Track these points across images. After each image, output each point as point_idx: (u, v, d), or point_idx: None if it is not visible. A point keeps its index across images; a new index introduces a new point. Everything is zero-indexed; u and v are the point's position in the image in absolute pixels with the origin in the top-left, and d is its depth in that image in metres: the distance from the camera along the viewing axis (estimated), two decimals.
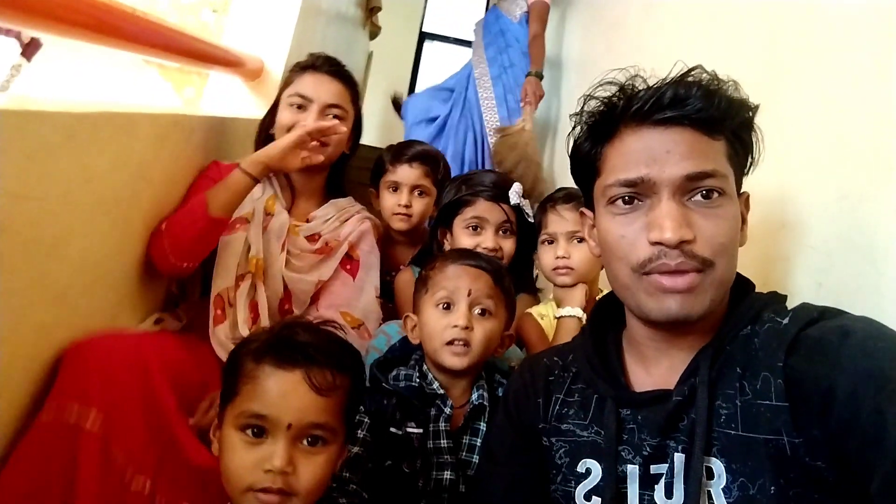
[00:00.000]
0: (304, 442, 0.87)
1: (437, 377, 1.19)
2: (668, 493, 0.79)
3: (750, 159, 0.86)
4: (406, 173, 1.85)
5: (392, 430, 1.12)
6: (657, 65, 0.85)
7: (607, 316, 0.97)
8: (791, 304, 0.84)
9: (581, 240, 1.46)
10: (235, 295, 1.45)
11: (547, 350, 1.04)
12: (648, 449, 0.82)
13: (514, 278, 1.50)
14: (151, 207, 1.37)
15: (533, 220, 1.61)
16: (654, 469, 0.81)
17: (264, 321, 1.47)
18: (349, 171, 1.80)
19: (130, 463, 1.09)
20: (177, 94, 2.10)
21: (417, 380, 1.20)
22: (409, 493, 1.10)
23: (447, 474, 1.11)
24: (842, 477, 0.68)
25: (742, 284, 0.88)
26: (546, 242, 1.53)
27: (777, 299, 0.85)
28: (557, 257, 1.48)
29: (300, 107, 1.59)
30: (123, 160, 1.20)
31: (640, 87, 0.84)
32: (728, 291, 0.85)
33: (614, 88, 0.86)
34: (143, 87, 1.84)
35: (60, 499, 1.04)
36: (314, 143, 1.55)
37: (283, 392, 0.86)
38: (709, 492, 0.76)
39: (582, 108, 0.89)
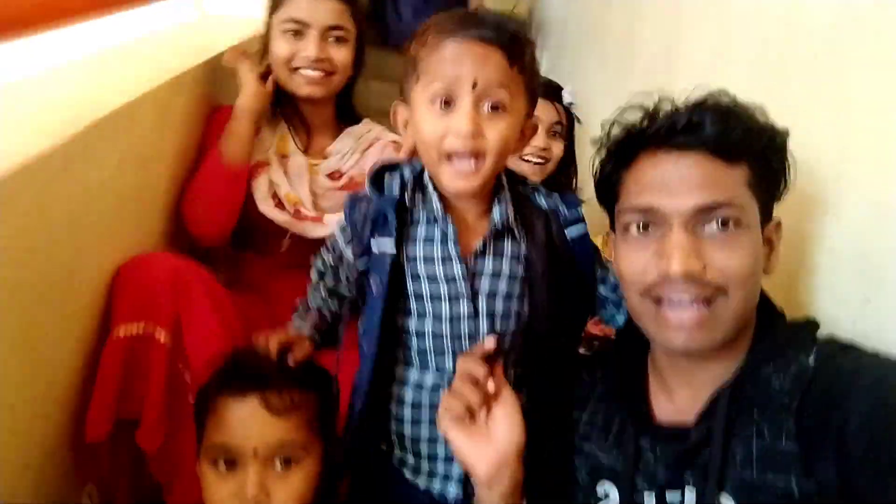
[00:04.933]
0: (277, 465, 0.88)
1: (439, 190, 0.95)
2: None
3: (783, 184, 0.83)
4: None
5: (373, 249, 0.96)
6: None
7: (635, 337, 0.95)
8: (831, 319, 0.81)
9: None
10: None
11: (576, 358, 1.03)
12: (662, 479, 0.83)
13: (554, 185, 1.45)
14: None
15: (582, 123, 1.54)
16: (668, 497, 0.83)
17: None
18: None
19: (192, 378, 1.13)
20: None
21: (410, 191, 0.96)
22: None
23: (465, 306, 0.94)
24: None
25: (770, 311, 0.85)
26: None
27: (806, 332, 0.81)
28: None
29: (296, 33, 1.43)
30: (131, 153, 1.17)
31: (664, 111, 0.82)
32: (752, 319, 0.82)
33: (639, 112, 0.84)
34: None
35: (138, 406, 1.10)
36: (318, 73, 1.45)
37: (242, 419, 0.88)
38: None
39: (607, 132, 0.87)
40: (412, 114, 0.93)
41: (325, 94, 1.49)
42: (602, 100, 2.09)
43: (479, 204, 0.96)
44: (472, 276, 0.94)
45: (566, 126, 1.49)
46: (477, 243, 0.95)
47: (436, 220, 0.95)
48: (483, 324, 0.95)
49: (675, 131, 0.79)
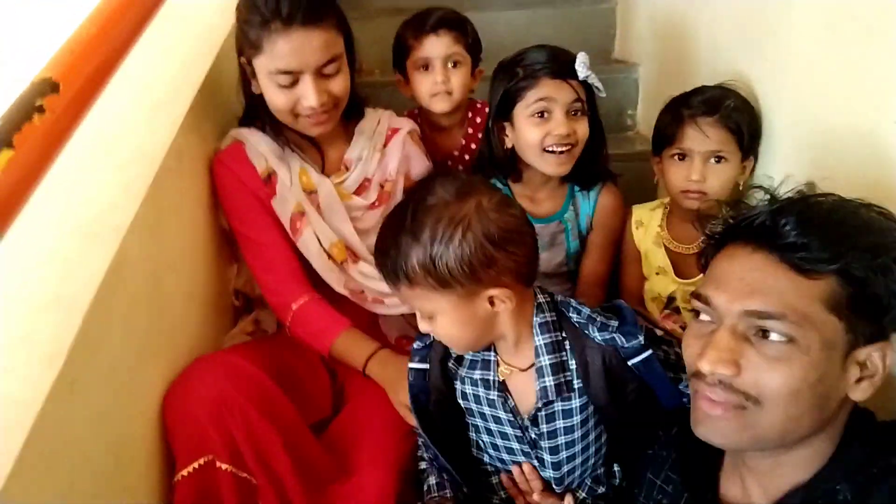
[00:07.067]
0: None
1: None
2: None
3: (890, 309, 0.73)
4: (434, 45, 1.59)
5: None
6: None
7: None
8: None
9: (719, 159, 1.30)
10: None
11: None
12: None
13: (587, 168, 1.43)
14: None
15: (604, 94, 1.40)
16: None
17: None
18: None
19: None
20: None
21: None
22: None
23: (528, 449, 1.07)
24: None
25: (858, 412, 0.79)
26: (677, 157, 1.35)
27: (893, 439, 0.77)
28: (690, 179, 1.32)
29: (292, 82, 1.29)
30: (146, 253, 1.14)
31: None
32: (833, 422, 0.76)
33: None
34: None
35: None
36: (323, 113, 1.33)
37: None
38: None
39: (719, 225, 0.84)
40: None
41: (335, 123, 1.40)
42: None
43: (523, 355, 1.03)
44: (529, 432, 1.06)
45: (585, 101, 1.36)
46: (528, 412, 1.04)
47: (488, 385, 1.05)
48: (550, 470, 1.08)
49: (752, 229, 0.77)
